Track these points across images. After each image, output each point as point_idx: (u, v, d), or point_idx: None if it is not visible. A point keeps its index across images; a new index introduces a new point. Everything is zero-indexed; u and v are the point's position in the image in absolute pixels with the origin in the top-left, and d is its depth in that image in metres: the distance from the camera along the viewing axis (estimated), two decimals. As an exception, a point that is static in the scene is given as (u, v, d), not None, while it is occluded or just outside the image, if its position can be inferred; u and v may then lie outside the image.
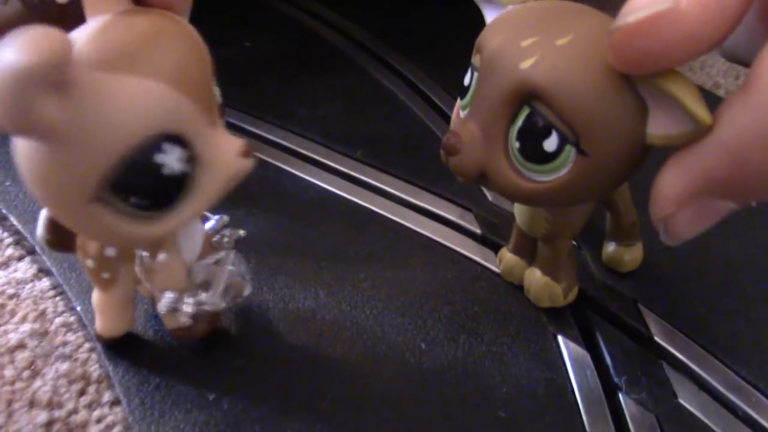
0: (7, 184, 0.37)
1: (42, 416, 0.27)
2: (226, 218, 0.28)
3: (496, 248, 0.34)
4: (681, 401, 0.28)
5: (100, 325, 0.28)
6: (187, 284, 0.26)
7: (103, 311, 0.28)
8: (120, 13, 0.21)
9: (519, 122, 0.23)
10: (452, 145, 0.24)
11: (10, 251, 0.35)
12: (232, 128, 0.42)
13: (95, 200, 0.20)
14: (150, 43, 0.20)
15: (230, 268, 0.27)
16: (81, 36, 0.20)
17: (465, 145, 0.24)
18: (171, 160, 0.20)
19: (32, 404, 0.27)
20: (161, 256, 0.25)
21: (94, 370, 0.29)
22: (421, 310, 0.31)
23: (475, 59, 0.25)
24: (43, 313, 0.31)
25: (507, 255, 0.32)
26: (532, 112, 0.23)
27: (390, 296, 0.32)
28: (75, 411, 0.27)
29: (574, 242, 0.34)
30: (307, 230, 0.35)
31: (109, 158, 0.19)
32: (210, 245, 0.27)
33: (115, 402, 0.28)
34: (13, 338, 0.30)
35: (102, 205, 0.20)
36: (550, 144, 0.23)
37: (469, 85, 0.25)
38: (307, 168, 0.40)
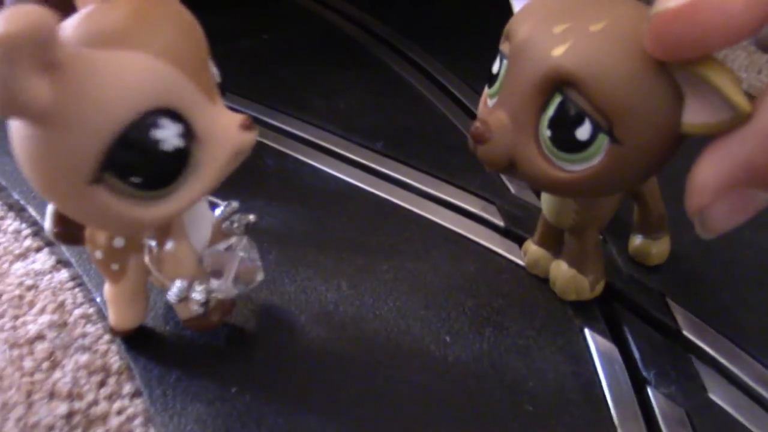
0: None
1: (62, 408, 0.27)
2: (235, 204, 0.28)
3: (519, 241, 0.33)
4: (711, 396, 0.27)
5: (113, 317, 0.28)
6: (197, 272, 0.26)
7: (115, 303, 0.28)
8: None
9: (550, 110, 0.23)
10: (481, 134, 0.24)
11: (28, 242, 0.34)
12: (254, 121, 0.42)
13: (94, 182, 0.20)
14: (140, 20, 0.20)
15: (241, 254, 0.26)
16: (71, 20, 0.20)
17: (494, 133, 0.24)
18: (169, 135, 0.20)
19: (52, 395, 0.27)
20: (169, 245, 0.25)
21: (114, 361, 0.29)
22: (445, 303, 0.30)
23: (504, 46, 0.24)
24: (62, 305, 0.31)
25: (532, 247, 0.32)
26: (564, 100, 0.22)
27: (413, 288, 0.31)
28: (95, 402, 0.27)
29: (600, 235, 0.34)
30: (327, 222, 0.35)
31: (105, 136, 0.19)
32: (220, 232, 0.27)
33: (135, 394, 0.27)
34: (32, 329, 0.30)
35: (102, 188, 0.20)
36: (583, 132, 0.22)
37: (498, 72, 0.25)
38: (327, 160, 0.39)
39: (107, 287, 0.27)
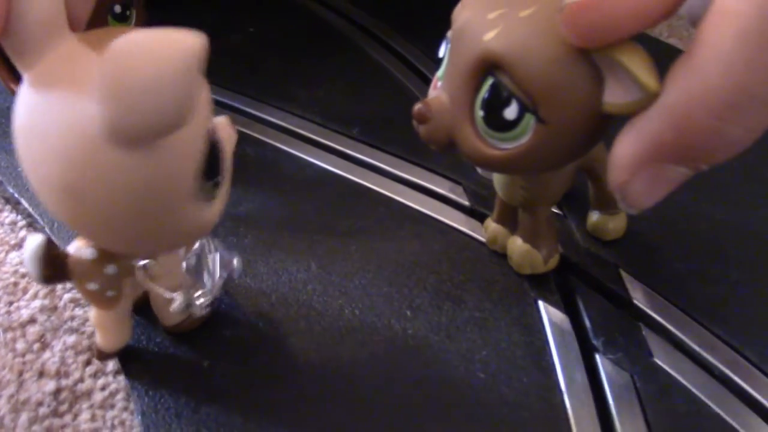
0: (20, 169, 0.39)
1: (50, 385, 0.29)
2: None
3: (483, 219, 0.35)
4: (656, 360, 0.29)
5: (103, 342, 0.28)
6: (185, 279, 0.27)
7: (106, 328, 0.28)
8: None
9: (483, 92, 0.24)
10: (422, 114, 0.26)
11: (23, 233, 0.37)
12: (238, 112, 0.44)
13: (194, 193, 0.21)
14: None
15: (216, 251, 0.27)
16: None
17: (434, 113, 0.25)
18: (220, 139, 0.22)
19: (41, 374, 0.29)
20: (160, 259, 0.26)
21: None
22: (408, 280, 0.32)
23: (449, 32, 0.26)
24: (52, 290, 0.33)
25: (491, 224, 0.33)
26: (494, 82, 0.24)
27: (379, 267, 0.33)
28: (81, 380, 0.29)
29: (559, 211, 0.35)
30: (302, 207, 0.37)
31: (200, 149, 0.20)
32: None
33: (118, 371, 0.30)
34: (25, 314, 0.32)
35: (197, 197, 0.21)
36: (511, 112, 0.24)
37: (444, 56, 0.26)
38: (305, 147, 0.41)
39: (96, 314, 0.27)
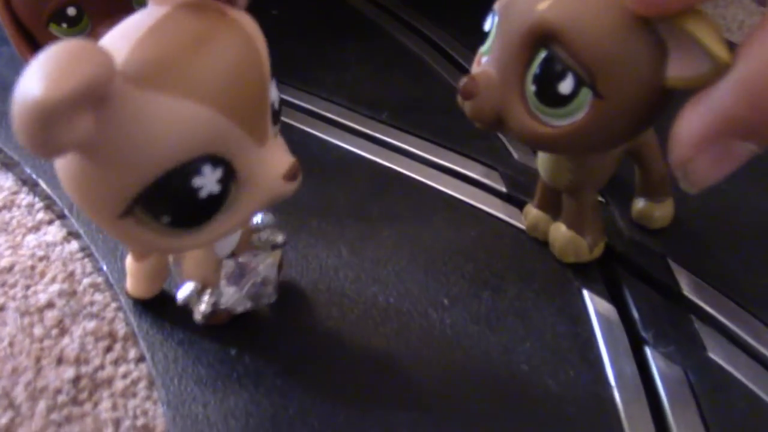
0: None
1: (69, 372, 0.28)
2: (270, 218, 0.27)
3: (521, 206, 0.33)
4: (710, 355, 0.27)
5: (130, 286, 0.29)
6: (213, 278, 0.26)
7: (135, 276, 0.28)
8: (174, 8, 0.19)
9: (535, 65, 0.23)
10: (469, 90, 0.24)
11: (41, 215, 0.35)
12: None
13: (125, 215, 0.19)
14: (199, 57, 0.18)
15: (258, 274, 0.26)
16: (125, 41, 0.18)
17: (482, 89, 0.24)
18: (207, 182, 0.19)
19: (60, 361, 0.28)
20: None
21: (120, 328, 0.29)
22: (444, 268, 0.31)
23: (496, 4, 0.25)
24: (71, 274, 0.32)
25: (532, 211, 0.32)
26: (548, 55, 0.22)
27: (413, 254, 0.31)
28: (101, 367, 0.28)
29: (602, 198, 0.34)
30: (331, 191, 0.35)
31: (143, 178, 0.18)
32: (248, 242, 0.26)
33: (140, 359, 0.28)
34: (43, 298, 0.30)
35: (131, 220, 0.19)
36: (566, 86, 0.22)
37: (490, 30, 0.25)
38: (333, 131, 0.40)
39: (129, 259, 0.28)
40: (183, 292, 0.26)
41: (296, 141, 0.38)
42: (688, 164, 0.21)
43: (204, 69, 0.18)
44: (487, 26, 0.25)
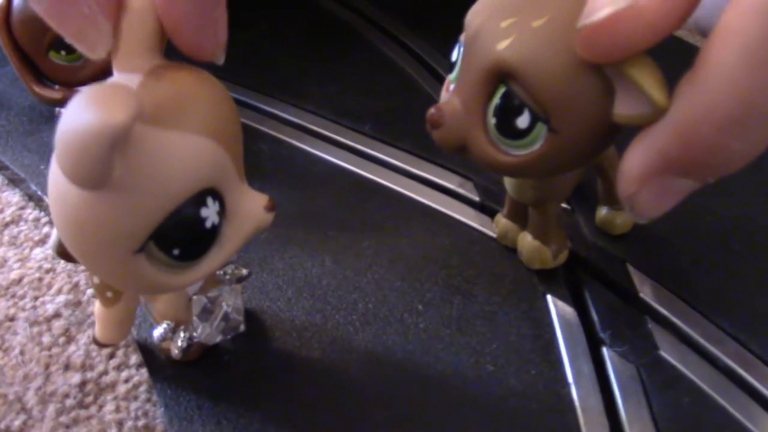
0: (42, 167, 0.40)
1: (76, 377, 0.30)
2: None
3: (493, 215, 0.36)
4: (662, 353, 0.30)
5: (100, 333, 0.29)
6: (185, 315, 0.27)
7: (104, 323, 0.28)
8: (158, 67, 0.20)
9: (496, 100, 0.25)
10: (436, 119, 0.26)
11: (46, 229, 0.38)
12: (250, 108, 0.45)
13: (139, 252, 0.20)
14: (194, 98, 0.20)
15: (225, 307, 0.28)
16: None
17: (447, 119, 0.26)
18: (211, 213, 0.21)
19: (67, 367, 0.31)
20: None
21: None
22: (420, 274, 0.33)
23: (462, 36, 0.26)
24: (76, 285, 0.34)
25: (502, 220, 0.34)
26: (507, 91, 0.24)
27: (391, 262, 0.34)
28: (105, 372, 0.30)
29: (568, 206, 0.36)
30: (316, 203, 0.38)
31: (161, 212, 0.20)
32: (213, 279, 0.28)
33: (140, 364, 0.31)
34: (50, 308, 0.33)
35: (143, 256, 0.20)
36: (523, 121, 0.24)
37: (456, 60, 0.27)
38: (318, 143, 0.42)
39: (98, 306, 0.28)
40: (158, 332, 0.27)
41: (284, 155, 0.41)
42: (632, 198, 0.22)
43: (204, 105, 0.20)
44: (454, 56, 0.27)
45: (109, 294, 0.27)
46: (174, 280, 0.22)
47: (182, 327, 0.28)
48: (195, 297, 0.27)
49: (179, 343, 0.28)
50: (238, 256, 0.34)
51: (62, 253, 0.26)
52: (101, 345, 0.29)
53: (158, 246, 0.20)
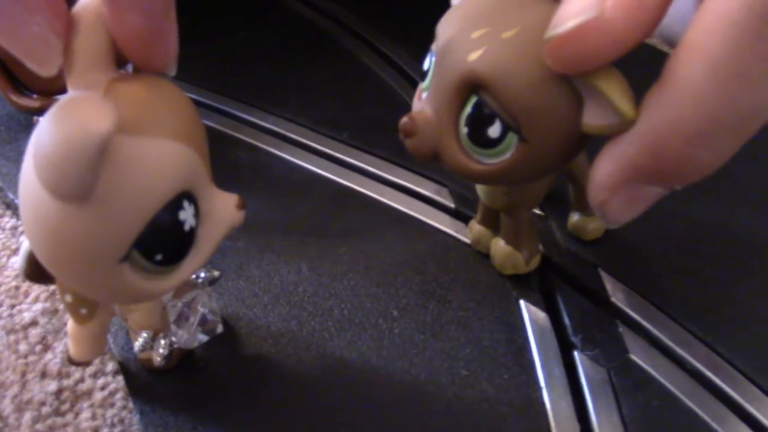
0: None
1: (52, 385, 0.30)
2: None
3: (468, 221, 0.36)
4: (632, 356, 0.30)
5: (74, 351, 0.28)
6: (162, 323, 0.28)
7: (76, 339, 0.28)
8: (117, 79, 0.20)
9: (467, 109, 0.25)
10: (408, 129, 0.27)
11: (23, 237, 0.38)
12: (228, 116, 0.45)
13: (123, 260, 0.20)
14: (161, 104, 0.20)
15: (201, 310, 0.28)
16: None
17: (420, 128, 0.26)
18: (188, 216, 0.21)
19: (44, 375, 0.31)
20: None
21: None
22: (395, 280, 0.34)
23: (434, 45, 0.27)
24: (53, 294, 0.34)
25: (475, 226, 0.35)
26: (478, 101, 0.24)
27: (367, 268, 0.34)
28: (81, 380, 0.31)
29: (541, 212, 0.37)
30: (293, 210, 0.38)
31: (143, 219, 0.20)
32: (186, 284, 0.28)
33: (117, 371, 0.31)
34: (27, 316, 0.33)
35: (127, 265, 0.20)
36: (494, 131, 0.24)
37: (429, 69, 0.27)
38: (296, 151, 0.42)
39: (70, 323, 0.28)
40: (138, 343, 0.28)
41: (262, 162, 0.41)
42: (603, 205, 0.23)
43: (170, 110, 0.21)
44: (426, 65, 0.27)
45: (83, 311, 0.27)
46: (157, 286, 0.22)
47: (161, 335, 0.28)
48: (170, 303, 0.28)
49: (160, 351, 0.28)
50: (214, 263, 0.34)
51: (32, 274, 0.26)
52: (77, 363, 0.29)
53: (141, 253, 0.20)
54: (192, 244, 0.22)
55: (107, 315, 0.28)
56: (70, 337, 0.28)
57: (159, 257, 0.21)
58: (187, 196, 0.21)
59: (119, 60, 0.21)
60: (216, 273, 0.29)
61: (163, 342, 0.28)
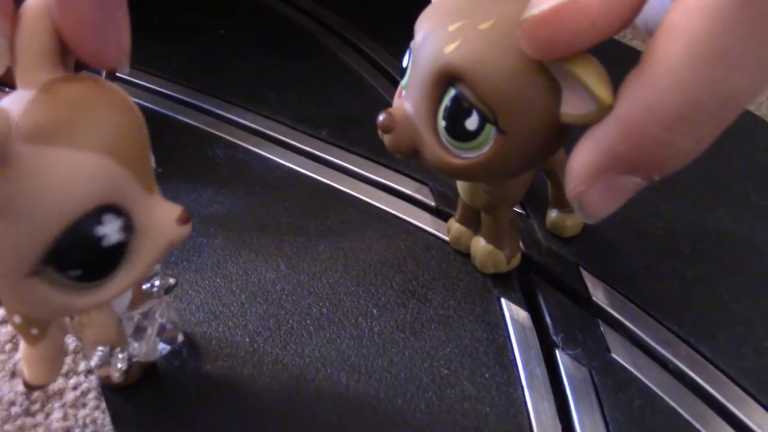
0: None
1: (22, 385, 0.29)
2: (156, 267, 0.27)
3: (448, 219, 0.36)
4: (614, 356, 0.30)
5: (29, 375, 0.26)
6: (118, 337, 0.26)
7: (32, 364, 0.26)
8: (53, 81, 0.20)
9: (445, 102, 0.25)
10: (386, 125, 0.26)
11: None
12: (207, 113, 0.44)
13: (32, 274, 0.19)
14: (86, 113, 0.19)
15: (159, 320, 0.27)
16: (14, 107, 0.19)
17: (398, 124, 0.26)
18: (110, 231, 0.20)
19: (13, 374, 0.30)
20: (92, 311, 0.25)
21: (71, 342, 0.31)
22: (375, 279, 0.33)
23: (412, 42, 0.27)
24: (24, 292, 0.34)
25: (455, 225, 0.34)
26: (456, 94, 0.24)
27: (346, 267, 0.34)
28: (53, 379, 0.30)
29: (522, 210, 0.36)
30: (271, 207, 0.37)
31: (49, 233, 0.18)
32: (141, 294, 0.27)
33: (89, 371, 0.30)
34: (-3, 315, 0.32)
35: (39, 279, 0.19)
36: (472, 123, 0.24)
37: (407, 66, 0.27)
38: (275, 149, 0.42)
39: (23, 346, 0.26)
40: (94, 360, 0.26)
41: (239, 159, 0.40)
42: (581, 197, 0.22)
43: (94, 120, 0.19)
44: (405, 62, 0.27)
45: (33, 331, 0.25)
46: (82, 301, 0.21)
47: (118, 349, 0.27)
48: (126, 316, 0.26)
49: (119, 366, 0.26)
50: (190, 260, 0.33)
51: None
52: (34, 388, 0.26)
53: (53, 268, 0.19)
54: (121, 258, 0.20)
55: (60, 334, 0.26)
56: (24, 360, 0.26)
57: (77, 273, 0.20)
58: (111, 209, 0.20)
59: (77, 62, 0.20)
60: (172, 280, 0.27)
61: (120, 356, 0.26)
